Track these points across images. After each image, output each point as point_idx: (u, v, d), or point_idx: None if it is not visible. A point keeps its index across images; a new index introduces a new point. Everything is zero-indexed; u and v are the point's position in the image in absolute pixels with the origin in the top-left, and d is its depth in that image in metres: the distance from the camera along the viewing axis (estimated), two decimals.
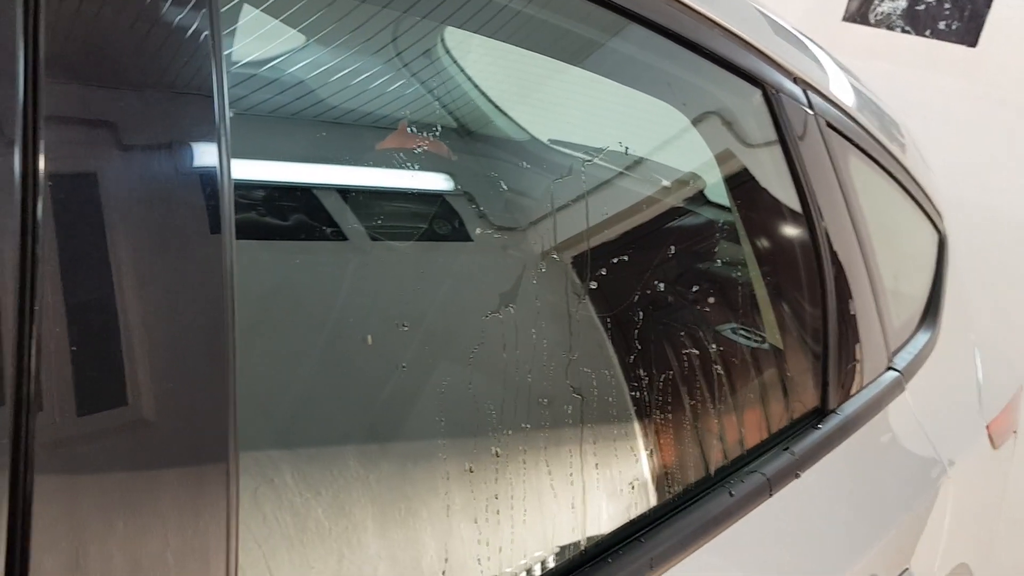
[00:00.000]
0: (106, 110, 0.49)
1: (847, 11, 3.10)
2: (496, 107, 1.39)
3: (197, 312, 0.51)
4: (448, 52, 1.34)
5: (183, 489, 0.50)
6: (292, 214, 0.96)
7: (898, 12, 3.02)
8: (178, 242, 0.51)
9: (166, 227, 0.50)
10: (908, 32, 3.01)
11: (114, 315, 0.48)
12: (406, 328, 0.84)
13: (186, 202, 0.51)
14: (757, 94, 1.12)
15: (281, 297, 0.86)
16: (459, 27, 1.03)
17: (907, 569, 1.24)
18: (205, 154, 0.52)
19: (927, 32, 2.99)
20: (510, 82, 1.41)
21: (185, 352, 0.50)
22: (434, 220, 1.04)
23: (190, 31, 0.53)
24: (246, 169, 0.96)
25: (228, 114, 0.54)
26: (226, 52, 0.98)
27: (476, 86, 1.39)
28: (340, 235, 0.97)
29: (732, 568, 0.96)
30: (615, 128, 1.21)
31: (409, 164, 0.93)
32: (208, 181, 0.52)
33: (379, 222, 1.00)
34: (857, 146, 1.32)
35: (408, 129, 0.96)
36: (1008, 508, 2.67)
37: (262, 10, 1.02)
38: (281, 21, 1.07)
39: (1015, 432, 1.76)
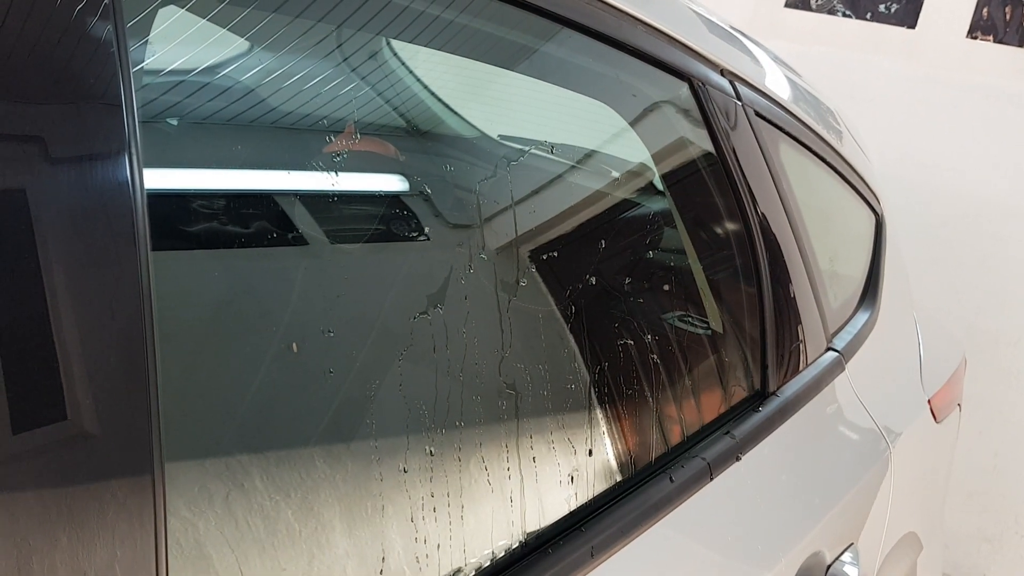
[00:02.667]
0: (12, 124, 0.49)
1: None
2: (445, 105, 1.40)
3: (114, 323, 0.52)
4: (395, 54, 1.35)
5: (109, 500, 0.51)
6: (246, 221, 0.97)
7: None
8: (92, 254, 0.51)
9: (81, 240, 0.51)
10: (849, 16, 3.06)
11: (35, 331, 0.49)
12: (333, 333, 0.85)
13: (100, 214, 0.52)
14: (684, 87, 1.15)
15: (246, 303, 0.87)
16: (397, 38, 1.04)
17: (852, 544, 1.27)
18: (116, 164, 0.53)
19: (867, 15, 3.04)
20: (458, 81, 1.42)
21: (103, 364, 0.51)
22: (384, 220, 1.05)
23: (94, 38, 0.53)
24: (184, 179, 0.97)
25: (138, 123, 0.55)
26: (178, 63, 0.98)
27: (425, 86, 1.40)
28: (298, 240, 0.98)
29: (674, 552, 0.98)
30: (555, 127, 1.23)
31: (357, 166, 0.94)
32: (121, 191, 0.53)
33: (330, 225, 1.01)
34: (788, 134, 1.35)
35: (355, 131, 0.97)
36: (964, 480, 2.74)
37: (208, 19, 1.02)
38: (228, 30, 1.07)
39: (959, 405, 1.81)
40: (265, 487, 0.73)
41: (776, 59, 1.55)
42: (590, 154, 1.23)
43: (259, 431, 0.79)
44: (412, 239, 1.04)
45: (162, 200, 0.87)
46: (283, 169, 1.07)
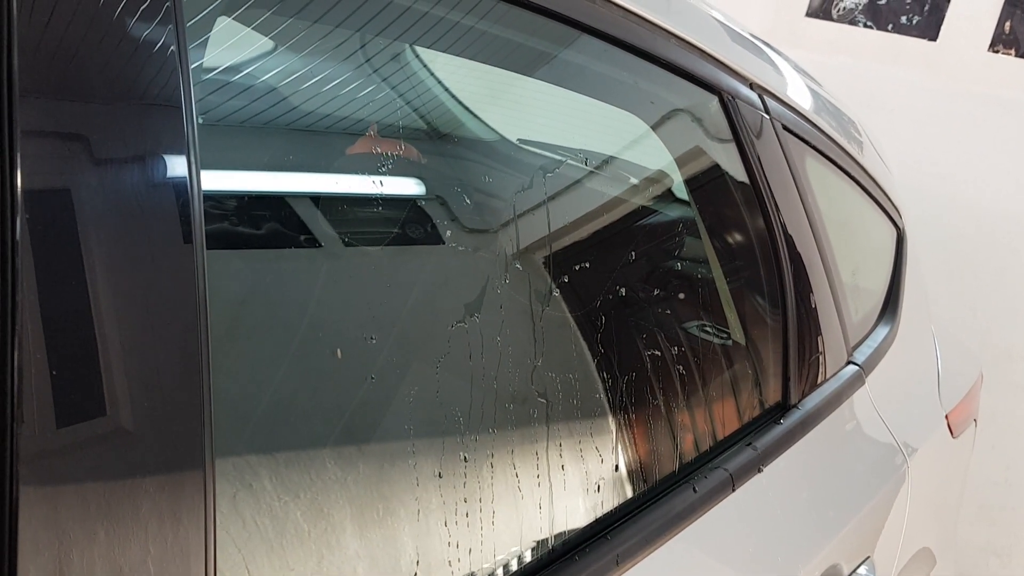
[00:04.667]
0: (78, 124, 0.50)
1: (810, 7, 3.14)
2: (466, 108, 1.41)
3: (171, 321, 0.53)
4: (417, 56, 1.36)
5: (161, 496, 0.52)
6: (265, 222, 0.98)
7: (860, 7, 3.07)
8: (151, 253, 0.52)
9: (139, 238, 0.52)
10: (870, 27, 3.06)
11: (91, 327, 0.50)
12: (374, 340, 0.86)
13: (158, 213, 0.53)
14: (714, 101, 1.16)
15: (258, 304, 0.87)
16: (427, 46, 1.05)
17: (868, 557, 1.28)
18: (175, 165, 0.54)
19: (889, 27, 3.04)
20: (480, 84, 1.43)
21: (160, 361, 0.52)
22: (406, 224, 1.05)
23: (158, 45, 0.54)
24: (219, 179, 0.98)
25: (197, 126, 0.56)
26: (196, 62, 0.99)
27: (446, 88, 1.41)
28: (314, 242, 0.99)
29: (696, 563, 0.99)
30: (581, 135, 1.24)
31: (379, 168, 0.95)
32: (179, 192, 0.54)
33: (352, 228, 1.01)
34: (813, 147, 1.36)
35: (377, 133, 0.98)
36: (974, 493, 2.74)
37: (233, 18, 1.03)
38: (252, 29, 1.08)
39: (975, 421, 1.81)
40: (275, 488, 0.74)
41: (798, 69, 1.56)
42: (618, 165, 1.24)
43: (270, 432, 0.80)
44: (432, 243, 1.05)
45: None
46: (306, 171, 1.08)
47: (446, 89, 1.39)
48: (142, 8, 0.54)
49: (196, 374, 0.54)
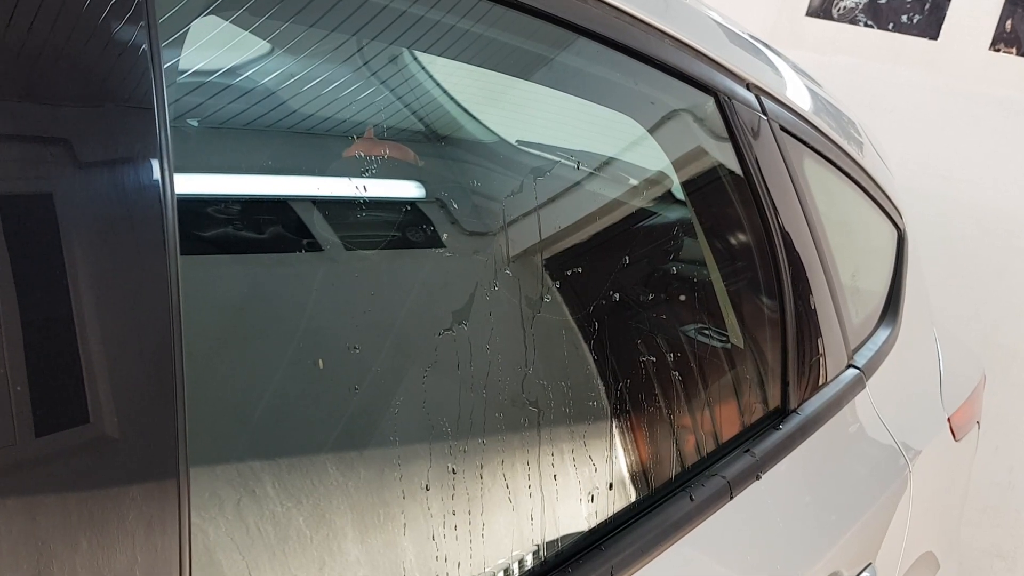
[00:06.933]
0: (49, 128, 0.49)
1: (810, 6, 3.13)
2: (464, 111, 1.40)
3: (141, 327, 0.52)
4: (415, 59, 1.35)
5: (133, 505, 0.51)
6: (261, 226, 0.96)
7: (860, 6, 3.06)
8: (123, 258, 0.51)
9: (112, 244, 0.51)
10: (871, 26, 3.04)
11: (63, 333, 0.49)
12: (372, 345, 0.85)
13: (131, 218, 0.52)
14: (710, 101, 1.14)
15: (259, 309, 0.86)
16: (425, 50, 1.03)
17: (870, 564, 1.26)
18: (147, 168, 0.53)
19: (889, 26, 3.02)
20: (478, 87, 1.42)
21: (130, 368, 0.51)
22: (404, 227, 1.04)
23: (129, 47, 0.53)
24: (213, 183, 0.96)
25: (169, 128, 0.55)
26: (197, 66, 0.98)
27: (444, 91, 1.39)
28: (313, 246, 0.98)
29: (693, 573, 0.97)
30: (578, 136, 1.23)
31: (377, 171, 0.94)
32: (151, 195, 0.53)
33: (350, 231, 1.00)
34: (812, 148, 1.35)
35: (374, 135, 0.97)
36: (978, 495, 2.72)
37: (230, 21, 1.02)
38: (250, 32, 1.07)
39: (978, 423, 1.80)
40: (277, 493, 0.73)
41: (797, 70, 1.54)
42: (614, 167, 1.23)
43: (271, 437, 0.79)
44: (430, 246, 1.04)
45: (180, 203, 0.87)
46: (301, 174, 1.07)
47: (444, 92, 1.38)
48: (113, 9, 0.52)
49: (168, 381, 0.53)
